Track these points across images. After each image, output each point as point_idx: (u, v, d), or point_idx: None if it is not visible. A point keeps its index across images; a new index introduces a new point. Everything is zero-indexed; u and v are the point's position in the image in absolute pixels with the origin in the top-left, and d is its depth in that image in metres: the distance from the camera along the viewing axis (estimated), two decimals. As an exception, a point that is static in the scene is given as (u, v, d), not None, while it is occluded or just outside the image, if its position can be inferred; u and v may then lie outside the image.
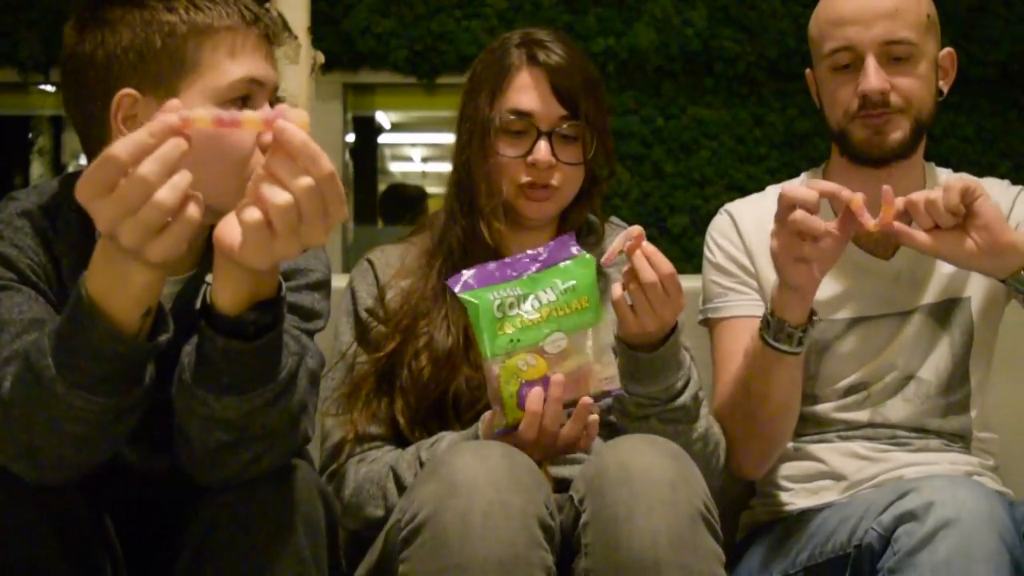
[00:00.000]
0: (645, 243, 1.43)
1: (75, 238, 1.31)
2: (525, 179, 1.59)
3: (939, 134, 5.43)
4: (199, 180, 1.14)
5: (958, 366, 1.70)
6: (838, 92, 1.65)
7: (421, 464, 1.50)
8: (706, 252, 1.79)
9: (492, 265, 1.44)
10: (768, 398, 1.59)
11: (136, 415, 1.16)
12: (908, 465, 1.65)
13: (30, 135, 6.39)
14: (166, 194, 0.99)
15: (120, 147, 0.97)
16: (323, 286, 1.46)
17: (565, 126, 1.59)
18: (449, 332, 1.59)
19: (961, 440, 1.71)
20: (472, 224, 1.62)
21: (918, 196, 1.46)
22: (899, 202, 1.47)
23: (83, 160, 1.44)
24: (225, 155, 1.24)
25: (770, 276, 1.70)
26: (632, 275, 1.43)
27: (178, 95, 1.23)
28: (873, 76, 1.59)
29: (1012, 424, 1.89)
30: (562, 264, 1.43)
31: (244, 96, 1.27)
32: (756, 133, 5.52)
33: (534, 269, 1.43)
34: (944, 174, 1.76)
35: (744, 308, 1.72)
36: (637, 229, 1.43)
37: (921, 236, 1.47)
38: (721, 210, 1.81)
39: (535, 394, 1.37)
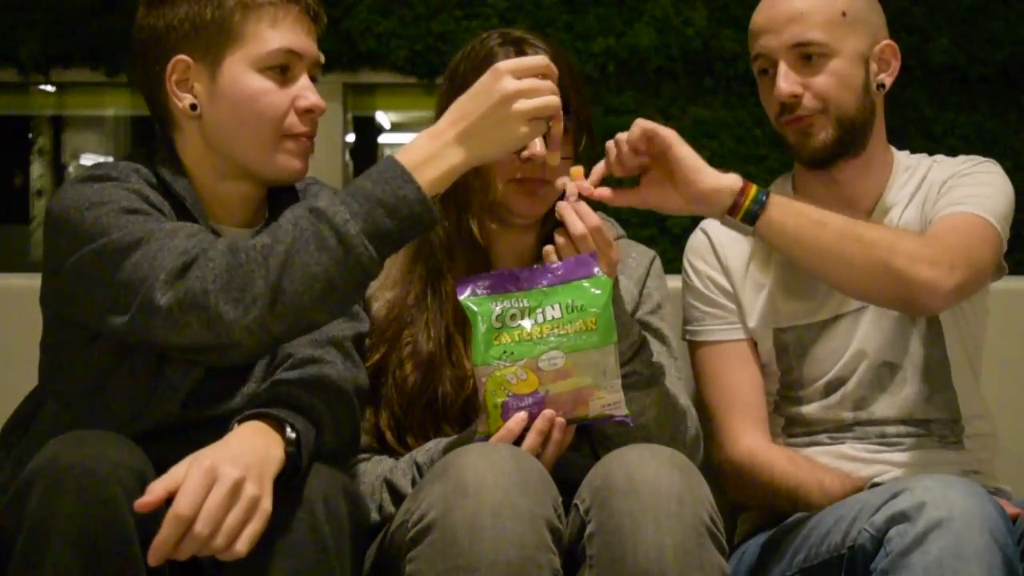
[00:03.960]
0: (574, 198, 1.45)
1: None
2: (518, 175, 1.58)
3: (939, 134, 5.43)
4: (239, 139, 1.42)
5: (932, 349, 1.69)
6: (766, 99, 1.69)
7: (418, 468, 1.50)
8: (683, 275, 1.80)
9: (504, 274, 1.43)
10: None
11: (357, 299, 1.37)
12: (901, 465, 1.66)
13: (30, 135, 6.38)
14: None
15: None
16: None
17: None
18: (430, 337, 1.58)
19: (952, 432, 1.70)
20: (459, 223, 1.61)
21: (611, 142, 1.51)
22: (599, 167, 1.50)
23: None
24: (261, 116, 1.41)
25: (750, 294, 1.72)
26: (562, 230, 1.44)
27: (223, 62, 1.41)
28: (782, 81, 1.63)
29: (1012, 424, 1.88)
30: (576, 282, 1.42)
31: (283, 65, 1.42)
32: (756, 133, 5.52)
33: (545, 283, 1.42)
34: (902, 155, 1.76)
35: (722, 334, 1.74)
36: (572, 187, 1.46)
37: (628, 194, 1.52)
38: (697, 228, 1.81)
39: (518, 417, 1.37)
